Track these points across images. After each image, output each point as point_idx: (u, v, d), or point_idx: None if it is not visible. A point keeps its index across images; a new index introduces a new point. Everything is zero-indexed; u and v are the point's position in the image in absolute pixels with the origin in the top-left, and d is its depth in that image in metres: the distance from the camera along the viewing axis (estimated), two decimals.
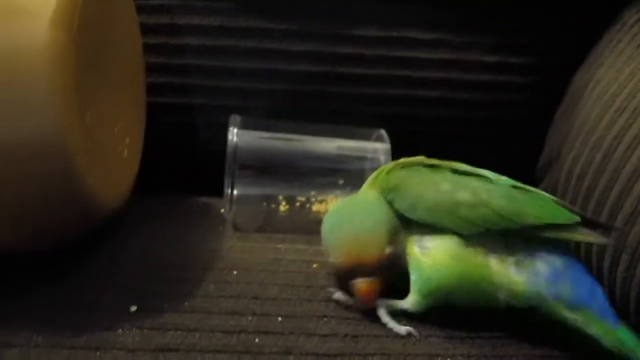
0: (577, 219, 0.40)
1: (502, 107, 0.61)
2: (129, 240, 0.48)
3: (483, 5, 0.60)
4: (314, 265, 0.47)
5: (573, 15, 0.61)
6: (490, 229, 0.39)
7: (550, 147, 0.58)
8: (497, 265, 0.39)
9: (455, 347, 0.39)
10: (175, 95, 0.59)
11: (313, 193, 0.55)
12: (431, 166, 0.43)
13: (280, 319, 0.40)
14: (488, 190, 0.41)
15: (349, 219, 0.42)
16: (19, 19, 0.35)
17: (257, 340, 0.38)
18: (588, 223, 0.40)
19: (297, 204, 0.55)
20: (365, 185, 0.46)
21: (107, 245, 0.47)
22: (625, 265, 0.42)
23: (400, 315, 0.41)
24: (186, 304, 0.41)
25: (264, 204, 0.54)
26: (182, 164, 0.61)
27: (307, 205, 0.55)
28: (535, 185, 0.54)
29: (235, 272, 0.45)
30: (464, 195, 0.40)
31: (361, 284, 0.39)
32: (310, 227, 0.49)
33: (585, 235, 0.40)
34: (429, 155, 0.45)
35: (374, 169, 0.47)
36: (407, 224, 0.41)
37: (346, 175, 0.50)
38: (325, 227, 0.43)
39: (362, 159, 0.53)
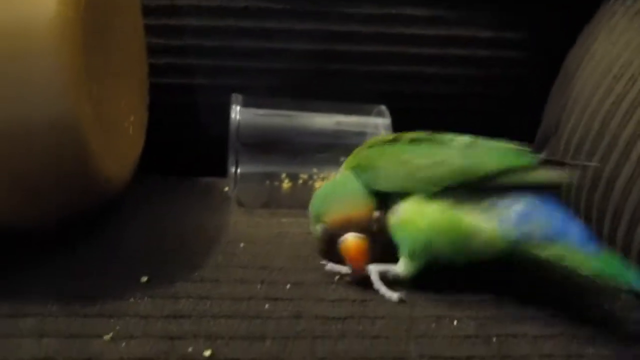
0: (537, 160, 0.40)
1: (499, 82, 0.61)
2: (135, 215, 0.49)
3: None
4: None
5: None
6: (452, 185, 0.40)
7: (548, 120, 0.59)
8: (466, 215, 0.40)
9: (462, 310, 0.40)
10: (176, 76, 0.59)
11: (315, 170, 0.55)
12: (391, 141, 0.45)
13: (288, 286, 0.41)
14: (443, 152, 0.42)
15: (335, 189, 0.45)
16: None
17: (267, 306, 0.38)
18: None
19: (300, 181, 0.55)
20: (341, 169, 0.48)
21: (115, 220, 0.48)
22: (624, 230, 0.43)
23: (405, 283, 0.41)
24: (195, 274, 0.41)
25: (267, 182, 0.55)
26: (184, 145, 0.62)
27: (310, 183, 0.55)
28: None
29: (242, 245, 0.46)
30: (420, 161, 0.42)
31: (349, 239, 0.41)
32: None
33: (547, 176, 0.40)
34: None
35: None
36: (381, 199, 0.43)
37: (347, 150, 0.50)
38: (314, 200, 0.45)
39: (363, 134, 0.54)
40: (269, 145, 0.54)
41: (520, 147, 0.42)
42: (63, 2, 0.36)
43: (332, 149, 0.55)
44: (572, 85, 0.55)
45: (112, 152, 0.42)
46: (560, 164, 0.41)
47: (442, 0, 0.60)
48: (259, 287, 0.40)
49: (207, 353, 0.34)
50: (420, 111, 0.46)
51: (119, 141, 0.45)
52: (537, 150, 0.60)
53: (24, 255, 0.41)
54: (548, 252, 0.38)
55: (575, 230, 0.38)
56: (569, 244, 0.38)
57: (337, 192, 0.45)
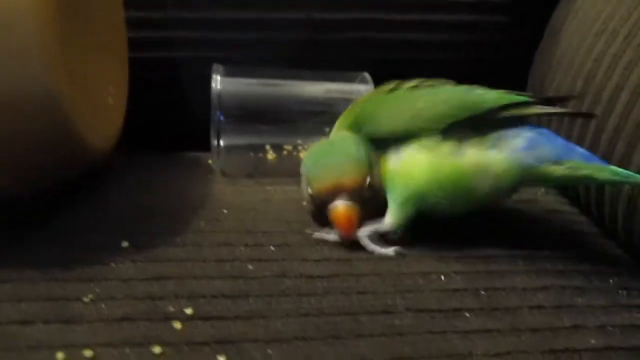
0: (534, 99, 0.42)
1: (484, 48, 0.61)
2: (118, 186, 0.49)
3: None
4: (304, 203, 0.47)
5: None
6: (456, 121, 0.40)
7: (533, 83, 0.58)
8: (473, 153, 0.40)
9: (448, 266, 0.40)
10: (157, 49, 0.58)
11: (300, 141, 0.55)
12: (391, 90, 0.45)
13: (273, 248, 0.40)
14: (444, 92, 0.43)
15: (328, 152, 0.44)
16: None
17: (250, 267, 0.38)
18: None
19: (285, 152, 0.55)
20: (334, 129, 0.47)
21: (97, 190, 0.47)
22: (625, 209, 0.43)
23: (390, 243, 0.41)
24: (178, 239, 0.41)
25: (251, 153, 0.54)
26: (168, 120, 0.61)
27: (295, 154, 0.55)
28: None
29: (225, 211, 0.45)
30: (422, 102, 0.42)
31: (339, 207, 0.40)
32: (299, 172, 0.49)
33: (545, 109, 0.42)
34: None
35: None
36: (380, 149, 0.42)
37: (332, 119, 0.50)
38: (305, 162, 0.44)
39: (347, 101, 0.53)
40: (252, 115, 0.53)
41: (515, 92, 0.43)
42: None
43: (317, 117, 0.54)
44: (556, 46, 0.55)
45: (91, 120, 0.42)
46: (554, 101, 0.44)
47: None
48: (242, 249, 0.40)
49: (189, 311, 0.33)
50: (403, 78, 0.45)
51: (98, 111, 0.44)
52: None
53: (4, 224, 0.41)
54: (561, 171, 0.39)
55: (579, 149, 0.40)
56: (578, 161, 0.39)
57: (328, 156, 0.43)
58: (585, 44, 0.49)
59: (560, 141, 0.40)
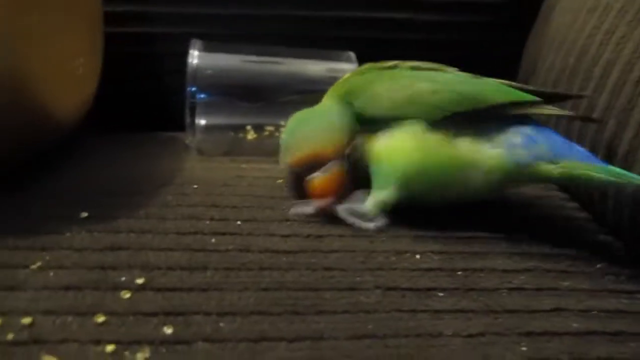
0: (540, 99, 0.40)
1: (474, 29, 0.59)
2: (87, 161, 0.47)
3: None
4: (279, 181, 0.45)
5: None
6: (457, 111, 0.38)
7: (526, 64, 0.56)
8: (468, 145, 0.38)
9: (425, 245, 0.37)
10: (135, 24, 0.56)
11: (282, 123, 0.52)
12: (389, 68, 0.43)
13: (239, 222, 0.38)
14: (448, 78, 0.41)
15: (307, 121, 0.42)
16: None
17: (213, 240, 0.36)
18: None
19: (266, 133, 0.53)
20: (323, 100, 0.45)
21: (64, 165, 0.45)
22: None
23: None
24: (141, 211, 0.39)
25: (232, 133, 0.52)
26: (145, 98, 0.59)
27: (276, 135, 0.53)
28: None
29: (195, 186, 0.43)
30: (423, 85, 0.39)
31: (316, 179, 0.38)
32: (278, 153, 0.47)
33: (551, 110, 0.40)
34: None
35: None
36: (369, 125, 0.40)
37: (315, 99, 0.48)
38: (284, 132, 0.42)
39: (331, 79, 0.51)
40: (232, 93, 0.51)
41: (521, 86, 0.41)
42: None
43: (299, 96, 0.52)
44: (549, 26, 0.53)
45: (55, 86, 0.40)
46: (562, 98, 0.42)
47: None
48: (207, 222, 0.38)
49: (140, 281, 0.31)
50: (389, 58, 0.43)
51: (64, 77, 0.43)
52: None
53: None
54: (558, 170, 0.37)
55: (578, 148, 0.38)
56: (575, 160, 0.37)
57: (307, 125, 0.42)
58: (579, 21, 0.47)
59: (558, 139, 0.38)
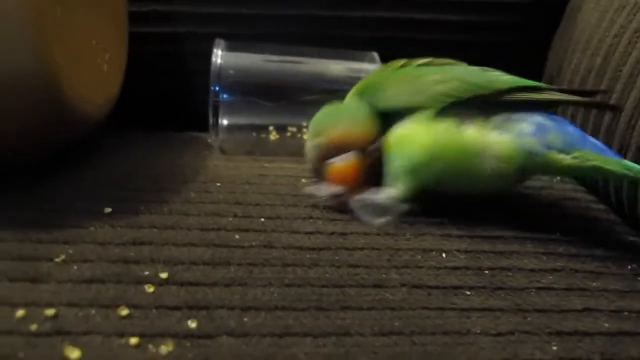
0: (548, 85, 0.40)
1: (498, 29, 0.58)
2: (111, 159, 0.47)
3: None
4: (302, 180, 0.44)
5: None
6: (464, 98, 0.38)
7: (551, 66, 0.55)
8: (478, 133, 0.37)
9: (451, 244, 0.37)
10: (160, 24, 0.57)
11: (305, 123, 0.52)
12: (402, 66, 0.43)
13: (262, 219, 0.38)
14: (455, 69, 0.41)
15: (339, 111, 0.43)
16: None
17: (236, 236, 0.36)
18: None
19: (288, 133, 0.52)
20: (346, 98, 0.46)
21: (88, 162, 0.46)
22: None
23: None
24: (165, 207, 0.39)
25: (254, 133, 0.52)
26: (168, 97, 0.59)
27: (299, 135, 0.52)
28: None
29: (218, 184, 0.43)
30: (433, 76, 0.40)
31: (335, 164, 0.39)
32: (302, 152, 0.46)
33: (559, 95, 0.39)
34: None
35: None
36: (387, 121, 0.40)
37: (340, 99, 0.47)
38: (315, 119, 0.43)
39: (354, 80, 0.51)
40: (255, 93, 0.51)
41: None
42: None
43: (322, 95, 0.51)
44: (573, 28, 0.52)
45: (80, 82, 0.40)
46: (569, 92, 0.40)
47: None
48: (230, 219, 0.37)
49: (164, 275, 0.31)
50: (412, 58, 0.43)
51: (90, 76, 0.43)
52: None
53: None
54: (568, 160, 0.36)
55: (592, 140, 0.37)
56: (587, 151, 0.36)
57: (340, 112, 0.43)
58: (606, 20, 0.46)
59: (572, 129, 0.37)
